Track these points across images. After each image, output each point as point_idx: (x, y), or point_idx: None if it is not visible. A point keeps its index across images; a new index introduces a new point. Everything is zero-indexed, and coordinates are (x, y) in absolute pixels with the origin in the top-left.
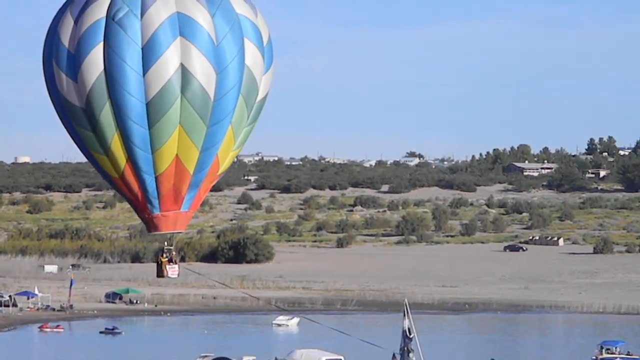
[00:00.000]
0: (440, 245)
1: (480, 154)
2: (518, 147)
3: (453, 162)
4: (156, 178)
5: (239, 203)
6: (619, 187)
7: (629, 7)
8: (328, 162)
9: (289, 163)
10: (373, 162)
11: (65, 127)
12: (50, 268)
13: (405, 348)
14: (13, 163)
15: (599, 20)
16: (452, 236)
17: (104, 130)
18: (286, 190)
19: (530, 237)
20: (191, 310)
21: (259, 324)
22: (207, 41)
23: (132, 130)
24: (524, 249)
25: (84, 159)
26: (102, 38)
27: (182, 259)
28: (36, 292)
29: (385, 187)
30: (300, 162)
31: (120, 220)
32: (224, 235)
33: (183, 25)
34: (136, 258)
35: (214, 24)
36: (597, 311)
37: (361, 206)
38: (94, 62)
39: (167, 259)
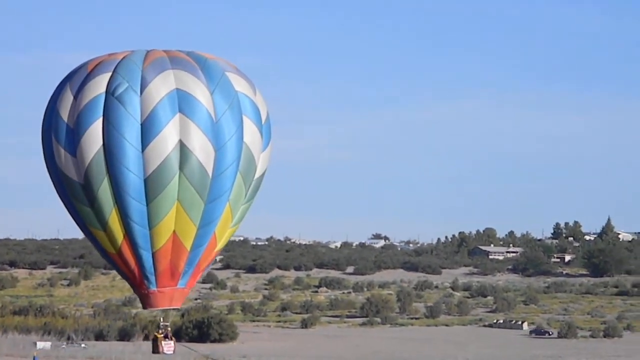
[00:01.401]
0: (404, 327)
1: (446, 237)
2: (484, 231)
3: (418, 245)
4: (153, 254)
5: (203, 282)
6: (584, 272)
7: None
8: (294, 242)
9: (254, 243)
10: (339, 244)
11: (63, 202)
12: (42, 345)
13: None
14: None
15: (566, 105)
16: (416, 318)
17: (102, 206)
18: (251, 270)
19: (495, 321)
20: None
21: None
22: (206, 118)
23: (130, 206)
24: (550, 333)
25: (49, 236)
26: (101, 113)
27: (146, 338)
28: None
29: (350, 269)
30: (266, 242)
31: (84, 298)
32: (189, 314)
33: (182, 102)
34: (100, 336)
35: (213, 101)
36: None
37: (326, 287)
38: (93, 138)
39: (162, 335)
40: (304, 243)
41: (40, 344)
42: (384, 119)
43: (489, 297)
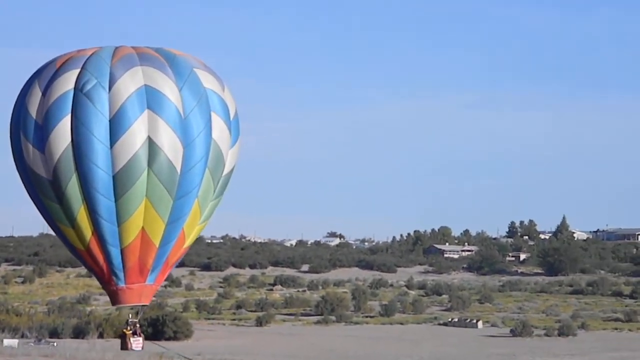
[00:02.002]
0: (359, 325)
1: (401, 235)
2: (439, 229)
3: (374, 243)
4: (122, 250)
5: None
6: (539, 271)
7: (554, 90)
8: (249, 240)
9: (209, 241)
10: (294, 242)
11: (32, 198)
12: (9, 342)
13: None
14: None
15: (519, 103)
16: (371, 317)
17: (71, 202)
18: (206, 268)
19: (450, 319)
20: None
21: None
22: (175, 114)
23: (98, 202)
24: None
25: (3, 233)
26: (70, 110)
27: (101, 335)
28: None
29: (305, 267)
30: (221, 240)
31: (38, 296)
32: (143, 312)
33: (151, 98)
34: (54, 334)
35: (182, 97)
36: None
37: (281, 285)
38: (62, 134)
39: (131, 332)
40: (259, 241)
41: (7, 342)
42: (339, 118)
43: (443, 296)
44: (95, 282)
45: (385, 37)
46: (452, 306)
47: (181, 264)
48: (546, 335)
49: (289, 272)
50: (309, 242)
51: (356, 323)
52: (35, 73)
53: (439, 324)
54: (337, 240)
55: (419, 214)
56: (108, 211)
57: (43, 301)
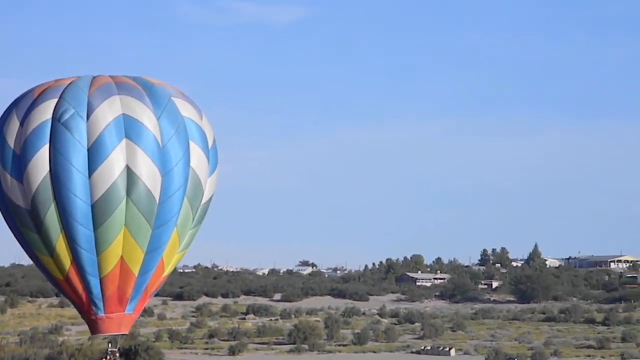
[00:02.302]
0: (332, 354)
1: (373, 264)
2: (411, 257)
3: (346, 272)
4: (101, 280)
5: None
6: (512, 299)
7: (524, 118)
8: (221, 269)
9: (182, 270)
10: (266, 271)
11: (10, 228)
12: None
13: None
14: None
15: (490, 132)
16: (344, 345)
17: (49, 232)
18: (178, 297)
19: (422, 347)
20: None
21: None
22: (153, 143)
23: (77, 231)
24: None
25: None
26: (48, 139)
27: None
28: None
29: (277, 296)
30: (193, 270)
31: (10, 326)
32: (115, 342)
33: (129, 127)
34: None
35: (160, 126)
36: None
37: (253, 314)
38: (40, 164)
39: None
40: (231, 270)
41: None
42: (311, 147)
43: (416, 324)
44: (67, 312)
45: (357, 68)
46: (425, 334)
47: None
48: None
49: (261, 300)
50: (282, 271)
51: (329, 351)
52: (13, 103)
53: (412, 352)
54: (309, 269)
55: (391, 242)
56: (87, 240)
57: (15, 331)
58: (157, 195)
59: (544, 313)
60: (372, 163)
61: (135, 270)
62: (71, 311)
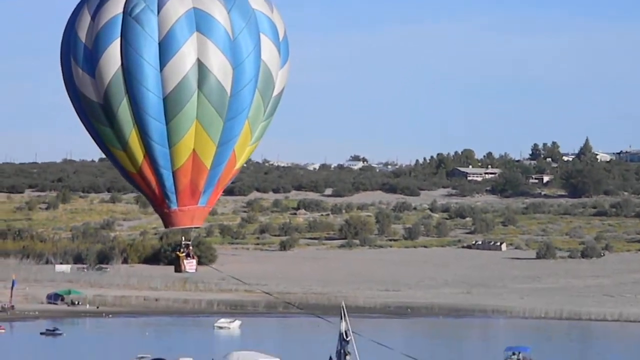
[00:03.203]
0: (383, 249)
1: (424, 159)
2: (462, 152)
3: (397, 166)
4: (173, 173)
5: None
6: (562, 193)
7: (576, 12)
8: (272, 165)
9: None
10: (317, 166)
11: (83, 123)
12: (62, 268)
13: (342, 351)
14: None
15: (541, 26)
16: (395, 240)
17: (122, 126)
18: (230, 192)
19: (473, 242)
20: (133, 312)
21: (200, 326)
22: (224, 36)
23: (149, 125)
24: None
25: (26, 160)
26: (119, 34)
27: (125, 261)
28: None
29: (328, 191)
30: (245, 165)
31: (63, 222)
32: (167, 237)
33: (199, 21)
34: (78, 259)
35: (230, 19)
36: (539, 316)
37: (304, 209)
38: (112, 58)
39: (184, 254)
40: (282, 165)
41: (60, 267)
42: (362, 41)
43: (467, 219)
44: (119, 207)
45: None
46: (476, 229)
47: None
48: (570, 257)
49: (312, 196)
50: (332, 166)
51: (380, 246)
52: None
53: (463, 247)
54: (360, 164)
55: (442, 137)
56: (159, 134)
57: (67, 227)
58: (228, 88)
59: (595, 207)
60: (423, 58)
61: (208, 163)
62: (123, 207)
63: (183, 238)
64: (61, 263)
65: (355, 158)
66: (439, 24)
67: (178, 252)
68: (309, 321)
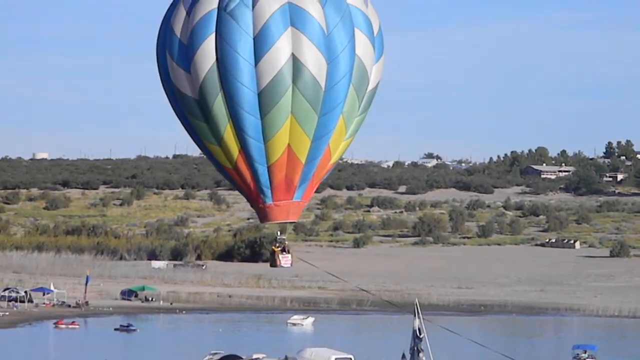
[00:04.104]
0: (456, 246)
1: (498, 156)
2: (536, 150)
3: (470, 164)
4: (268, 168)
5: None
6: (636, 191)
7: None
8: (346, 162)
9: None
10: (391, 163)
11: (179, 118)
12: (158, 264)
13: (415, 348)
14: (31, 159)
15: (618, 23)
16: (468, 237)
17: (217, 121)
18: None
19: (547, 240)
20: (206, 309)
21: (274, 322)
22: (318, 31)
23: (244, 120)
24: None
25: (101, 156)
26: (214, 29)
27: (199, 257)
28: (52, 288)
29: (402, 188)
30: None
31: (137, 218)
32: (241, 234)
33: (294, 16)
34: (152, 256)
35: (325, 14)
36: (613, 314)
37: (378, 207)
38: (207, 53)
39: (280, 249)
40: (356, 162)
41: (156, 264)
42: (433, 39)
43: (541, 217)
44: (193, 204)
45: None
46: (550, 227)
47: None
48: None
49: (385, 193)
50: (406, 163)
51: (453, 244)
52: None
53: (537, 245)
54: (434, 162)
55: (515, 135)
56: (254, 128)
57: (141, 223)
58: (322, 83)
59: None
60: (497, 55)
61: (302, 158)
62: (197, 203)
63: (279, 233)
64: (156, 259)
65: (429, 155)
66: (512, 22)
67: (274, 247)
68: (382, 318)
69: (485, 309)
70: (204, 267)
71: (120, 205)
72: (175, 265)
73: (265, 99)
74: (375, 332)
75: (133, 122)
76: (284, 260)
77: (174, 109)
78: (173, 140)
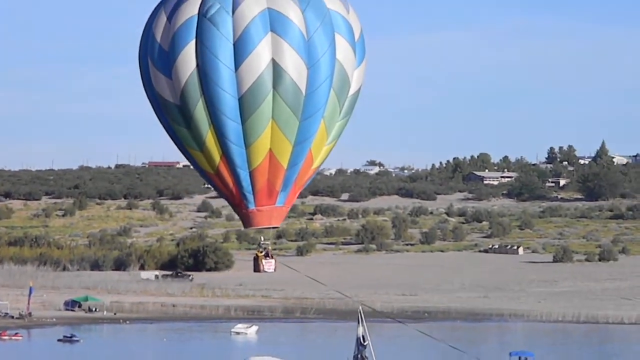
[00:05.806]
0: (399, 253)
1: (441, 163)
2: (478, 156)
3: (413, 171)
4: (250, 173)
5: (198, 211)
6: (579, 196)
7: (590, 18)
8: None
9: None
10: (333, 171)
11: (162, 124)
12: (147, 275)
13: (359, 355)
14: None
15: (560, 32)
16: (411, 244)
17: (199, 126)
18: None
19: (490, 246)
20: (150, 318)
21: (218, 331)
22: (298, 36)
23: (225, 125)
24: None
25: (43, 167)
26: (194, 35)
27: (142, 267)
28: None
29: (345, 196)
30: None
31: (79, 228)
32: (184, 243)
33: (274, 21)
34: (95, 266)
35: (305, 19)
36: (556, 320)
37: (321, 214)
38: (187, 59)
39: (263, 254)
40: None
41: (145, 274)
42: (377, 46)
43: (484, 223)
44: (135, 214)
45: None
46: (493, 233)
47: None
48: (587, 260)
49: (328, 201)
50: (349, 171)
51: (397, 251)
52: (161, 0)
53: (480, 251)
54: (376, 169)
55: (458, 141)
56: (235, 134)
57: (84, 233)
58: (303, 88)
59: (611, 210)
60: (438, 62)
61: (284, 163)
62: (140, 213)
63: (262, 238)
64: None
65: (372, 163)
66: (450, 31)
67: (257, 252)
68: (326, 326)
69: (429, 316)
70: (190, 279)
71: (63, 215)
72: (163, 276)
73: (245, 104)
74: (319, 340)
75: (75, 133)
76: (267, 265)
77: (156, 114)
78: (115, 150)
